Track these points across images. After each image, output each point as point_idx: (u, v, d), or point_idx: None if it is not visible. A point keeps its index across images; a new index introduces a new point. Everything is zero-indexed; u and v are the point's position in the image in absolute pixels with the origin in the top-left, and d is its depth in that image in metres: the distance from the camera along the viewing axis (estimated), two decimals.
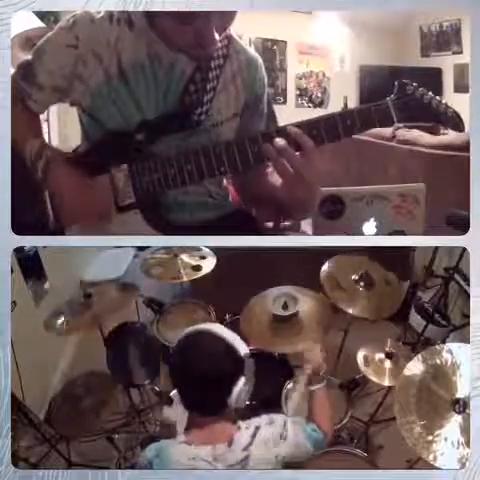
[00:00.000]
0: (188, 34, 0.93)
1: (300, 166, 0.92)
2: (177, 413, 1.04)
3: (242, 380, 0.98)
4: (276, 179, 0.99)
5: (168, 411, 1.22)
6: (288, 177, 0.93)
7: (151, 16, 0.99)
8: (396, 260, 1.78)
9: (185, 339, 1.02)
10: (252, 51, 1.15)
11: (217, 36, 0.93)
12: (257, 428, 1.00)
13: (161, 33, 0.99)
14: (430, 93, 0.95)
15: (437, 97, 0.95)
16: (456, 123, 0.95)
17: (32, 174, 1.06)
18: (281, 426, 1.03)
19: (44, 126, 1.23)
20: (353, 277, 1.66)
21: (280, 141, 0.92)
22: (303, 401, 1.41)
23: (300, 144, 0.92)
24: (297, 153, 0.92)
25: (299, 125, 0.94)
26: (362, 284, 1.64)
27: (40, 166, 1.05)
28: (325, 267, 1.72)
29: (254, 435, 0.99)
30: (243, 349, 1.01)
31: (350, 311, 1.58)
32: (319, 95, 5.48)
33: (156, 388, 1.70)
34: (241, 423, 1.01)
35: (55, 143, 2.75)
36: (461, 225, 1.07)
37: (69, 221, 1.08)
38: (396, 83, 0.94)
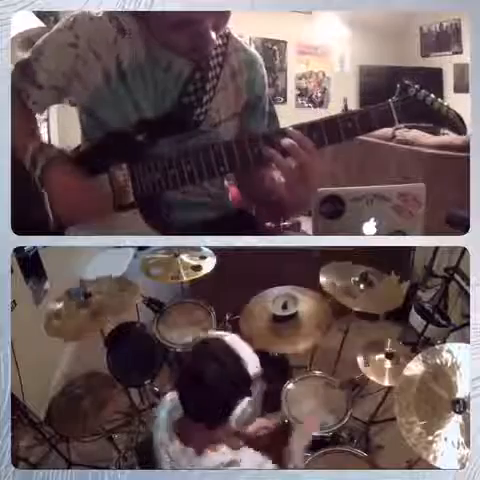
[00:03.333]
0: (183, 37, 0.93)
1: (304, 166, 0.92)
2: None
3: (246, 401, 0.93)
4: (278, 178, 1.00)
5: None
6: (291, 177, 0.94)
7: (145, 19, 0.99)
8: (396, 260, 1.78)
9: (199, 345, 0.98)
10: (252, 49, 1.14)
11: (214, 36, 0.93)
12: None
13: (156, 36, 0.99)
14: (432, 95, 0.95)
15: (439, 99, 0.95)
16: (458, 126, 0.95)
17: (32, 174, 1.06)
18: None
19: (44, 126, 1.22)
20: (353, 277, 1.66)
21: (287, 140, 0.93)
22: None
23: (301, 145, 0.93)
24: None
25: (300, 127, 0.94)
26: (363, 284, 1.64)
27: (39, 166, 1.04)
28: (323, 271, 1.71)
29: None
30: (254, 368, 0.95)
31: (350, 314, 1.58)
32: (319, 95, 5.47)
33: (156, 388, 1.70)
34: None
35: (55, 143, 2.75)
36: (461, 225, 1.07)
37: (68, 220, 1.08)
38: (398, 85, 0.94)
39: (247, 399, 0.93)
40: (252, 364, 0.95)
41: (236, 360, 0.93)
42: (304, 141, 0.93)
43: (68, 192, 1.05)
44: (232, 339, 0.98)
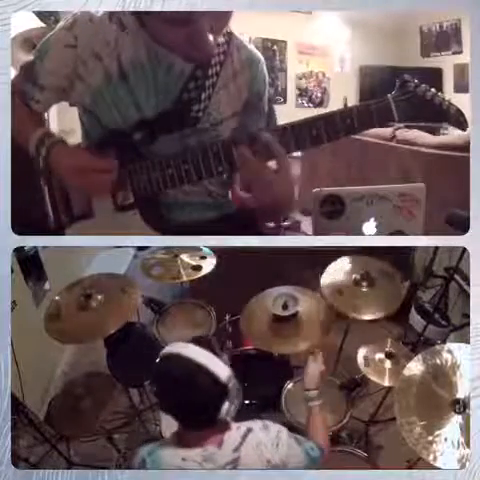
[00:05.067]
0: (180, 37, 0.91)
1: (268, 177, 0.92)
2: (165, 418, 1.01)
3: (226, 404, 0.94)
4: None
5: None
6: (256, 187, 0.95)
7: (142, 18, 0.98)
8: (396, 260, 1.78)
9: (163, 363, 0.96)
10: (253, 48, 1.14)
11: (212, 39, 0.91)
12: (249, 430, 0.97)
13: (154, 36, 0.99)
14: (433, 89, 0.93)
15: (439, 94, 0.93)
16: (459, 121, 0.94)
17: (34, 169, 1.06)
18: (275, 435, 0.98)
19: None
20: (353, 277, 1.66)
21: (244, 151, 0.93)
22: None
23: (272, 152, 0.92)
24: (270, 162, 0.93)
25: (300, 124, 0.93)
26: (363, 284, 1.64)
27: (45, 147, 1.03)
28: (325, 275, 1.71)
29: (245, 436, 0.96)
30: (224, 372, 0.94)
31: (350, 314, 1.58)
32: (319, 95, 5.48)
33: (156, 388, 1.69)
34: (232, 424, 0.98)
35: None
36: (461, 225, 1.07)
37: (73, 191, 1.08)
38: (398, 80, 0.92)
39: (227, 402, 0.94)
40: (222, 369, 0.94)
41: (205, 372, 0.92)
42: (275, 147, 0.92)
43: (74, 164, 1.03)
44: (191, 351, 0.94)
